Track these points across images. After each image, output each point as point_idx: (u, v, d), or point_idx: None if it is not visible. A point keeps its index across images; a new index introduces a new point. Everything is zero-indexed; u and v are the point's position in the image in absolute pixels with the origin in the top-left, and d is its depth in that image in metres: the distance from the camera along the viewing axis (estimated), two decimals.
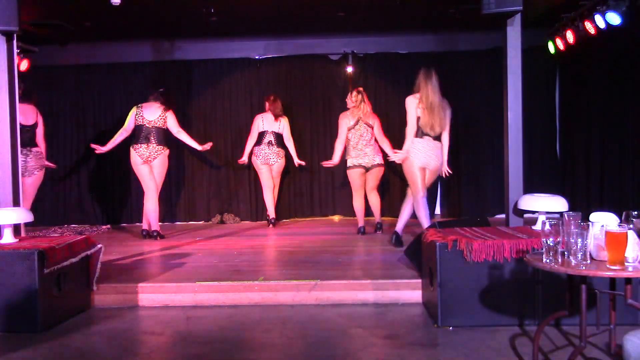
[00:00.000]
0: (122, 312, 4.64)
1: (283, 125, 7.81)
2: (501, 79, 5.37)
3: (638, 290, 3.90)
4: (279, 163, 7.87)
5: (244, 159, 7.90)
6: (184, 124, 7.63)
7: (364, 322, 4.26)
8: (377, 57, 8.58)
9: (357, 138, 6.95)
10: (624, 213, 3.06)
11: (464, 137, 8.44)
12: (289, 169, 8.31)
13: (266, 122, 7.78)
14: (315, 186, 8.70)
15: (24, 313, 4.12)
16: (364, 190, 7.14)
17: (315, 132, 8.63)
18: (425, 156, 5.74)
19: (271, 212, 7.97)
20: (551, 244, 2.91)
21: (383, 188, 8.58)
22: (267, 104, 7.88)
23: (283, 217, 8.47)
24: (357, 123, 6.95)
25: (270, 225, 7.91)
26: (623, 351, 2.55)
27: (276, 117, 7.78)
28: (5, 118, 5.06)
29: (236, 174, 8.64)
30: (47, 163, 6.91)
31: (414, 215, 6.05)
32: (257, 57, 8.67)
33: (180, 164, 8.53)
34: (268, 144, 7.76)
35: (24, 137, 6.21)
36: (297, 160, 7.91)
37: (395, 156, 5.96)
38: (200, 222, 8.65)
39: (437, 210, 8.57)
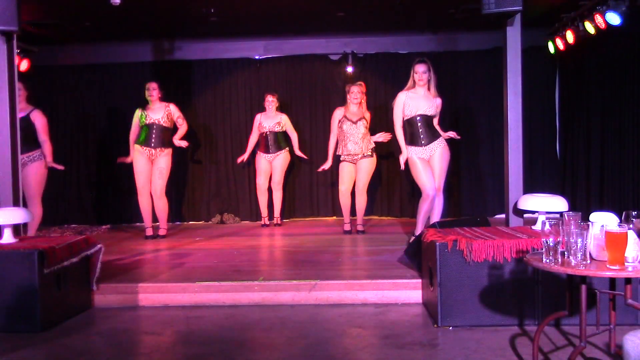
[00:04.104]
0: (122, 312, 4.64)
1: (283, 123, 7.80)
2: (501, 79, 5.37)
3: (638, 290, 3.91)
4: (279, 157, 7.82)
5: (244, 157, 7.91)
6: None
7: (364, 322, 4.26)
8: (377, 57, 8.57)
9: (352, 132, 6.98)
10: (624, 213, 3.06)
11: (464, 137, 8.42)
12: (293, 164, 8.29)
13: (265, 121, 7.78)
14: (314, 186, 8.69)
15: (24, 313, 4.12)
16: (352, 187, 7.13)
17: (315, 132, 8.62)
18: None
19: (264, 212, 8.02)
20: (551, 244, 2.91)
21: (387, 188, 8.62)
22: (265, 103, 7.85)
23: (283, 217, 8.47)
24: (354, 120, 6.99)
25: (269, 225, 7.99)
26: (623, 351, 2.55)
27: (275, 115, 7.79)
28: (5, 118, 5.06)
29: (236, 174, 8.64)
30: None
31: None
32: (257, 57, 8.66)
33: (180, 164, 8.52)
34: (267, 142, 7.77)
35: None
36: (297, 152, 7.89)
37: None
38: (200, 222, 8.65)
39: None
